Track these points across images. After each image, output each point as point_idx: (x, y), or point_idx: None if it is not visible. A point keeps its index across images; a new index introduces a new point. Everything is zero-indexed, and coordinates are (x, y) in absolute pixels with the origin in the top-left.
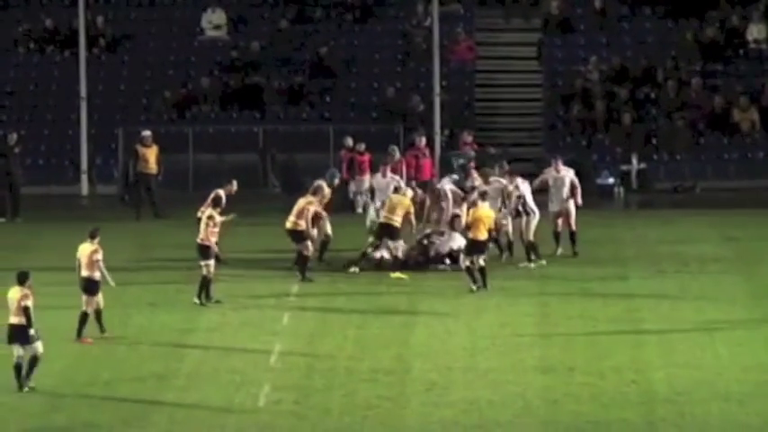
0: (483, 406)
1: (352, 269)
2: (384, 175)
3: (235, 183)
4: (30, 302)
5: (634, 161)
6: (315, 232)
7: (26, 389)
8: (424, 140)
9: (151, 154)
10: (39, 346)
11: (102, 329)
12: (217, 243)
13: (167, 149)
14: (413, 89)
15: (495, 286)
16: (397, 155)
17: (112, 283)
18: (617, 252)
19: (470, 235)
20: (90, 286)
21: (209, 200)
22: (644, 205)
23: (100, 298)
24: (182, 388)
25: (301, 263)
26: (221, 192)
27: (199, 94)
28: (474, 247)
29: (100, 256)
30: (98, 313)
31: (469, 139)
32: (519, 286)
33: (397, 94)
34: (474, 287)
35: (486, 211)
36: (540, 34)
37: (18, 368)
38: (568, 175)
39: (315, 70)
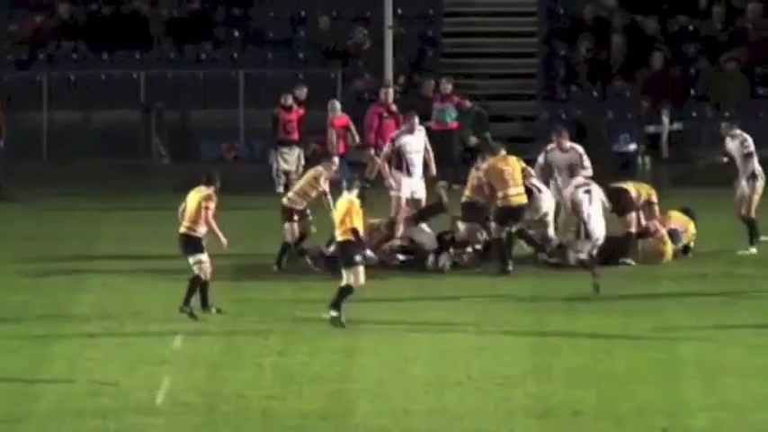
0: None
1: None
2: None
3: None
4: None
5: (665, 120)
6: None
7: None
8: (391, 93)
9: None
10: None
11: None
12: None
13: (12, 104)
14: (355, 20)
15: (469, 297)
16: (338, 112)
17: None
18: None
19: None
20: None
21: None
22: (679, 181)
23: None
24: None
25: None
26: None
27: (56, 26)
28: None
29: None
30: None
31: (449, 88)
32: (507, 294)
33: (333, 27)
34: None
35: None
36: None
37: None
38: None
39: None
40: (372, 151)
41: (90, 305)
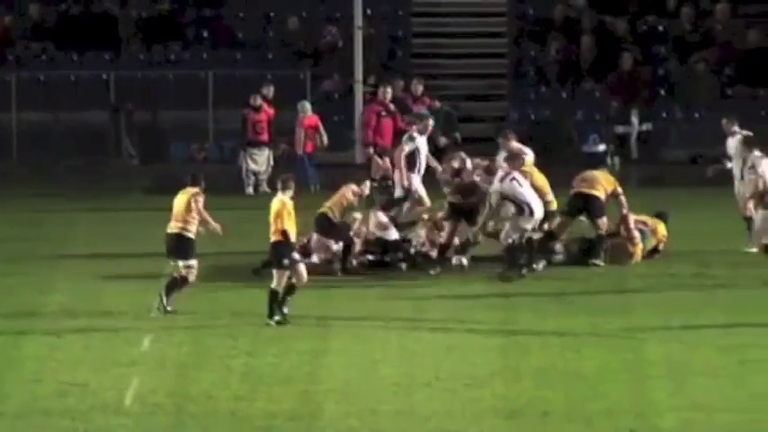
0: None
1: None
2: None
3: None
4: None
5: (635, 120)
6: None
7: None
8: (390, 92)
9: None
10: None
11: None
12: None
13: None
14: (326, 20)
15: (438, 297)
16: (308, 112)
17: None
18: None
19: None
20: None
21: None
22: (649, 182)
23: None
24: None
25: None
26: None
27: (25, 26)
28: None
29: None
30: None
31: (419, 90)
32: (476, 294)
33: (302, 27)
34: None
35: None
36: None
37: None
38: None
39: None
40: (371, 150)
41: (58, 306)
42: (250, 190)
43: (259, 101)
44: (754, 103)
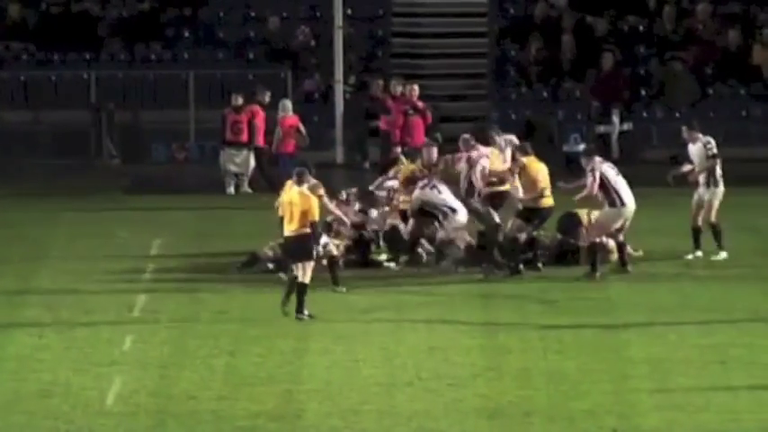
0: None
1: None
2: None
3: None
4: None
5: (615, 120)
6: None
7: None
8: (416, 89)
9: None
10: None
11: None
12: None
13: None
14: (305, 19)
15: (420, 298)
16: (289, 112)
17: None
18: None
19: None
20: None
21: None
22: (630, 181)
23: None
24: None
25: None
26: None
27: (6, 25)
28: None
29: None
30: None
31: (399, 90)
32: (457, 296)
33: (283, 26)
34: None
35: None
36: None
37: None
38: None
39: None
40: (399, 150)
41: (40, 306)
42: (231, 190)
43: (240, 101)
44: (735, 102)
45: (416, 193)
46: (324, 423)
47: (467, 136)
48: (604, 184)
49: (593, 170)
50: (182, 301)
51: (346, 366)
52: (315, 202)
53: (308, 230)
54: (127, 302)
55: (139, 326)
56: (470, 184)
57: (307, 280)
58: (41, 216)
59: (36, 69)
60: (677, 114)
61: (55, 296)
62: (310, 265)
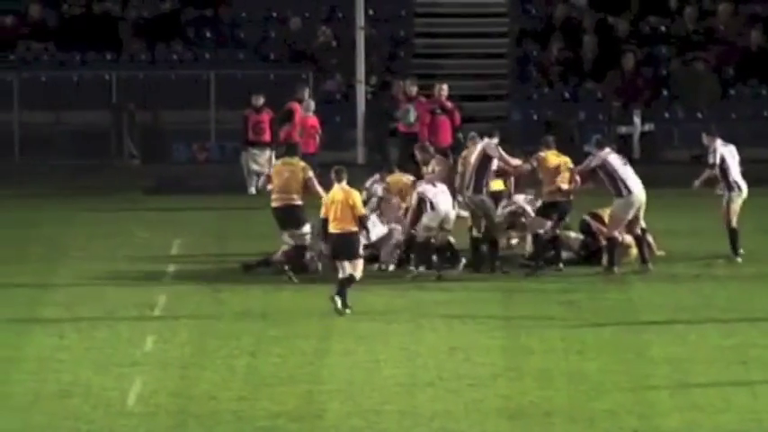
0: None
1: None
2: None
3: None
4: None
5: (637, 120)
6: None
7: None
8: (446, 89)
9: None
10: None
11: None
12: None
13: None
14: (326, 20)
15: (440, 297)
16: (311, 112)
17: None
18: None
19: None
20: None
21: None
22: (650, 182)
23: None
24: None
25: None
26: None
27: (28, 26)
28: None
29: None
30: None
31: (414, 91)
32: (479, 297)
33: (305, 27)
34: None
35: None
36: None
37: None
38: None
39: None
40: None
41: (61, 306)
42: (252, 190)
43: (261, 101)
44: (757, 103)
45: (414, 195)
46: (344, 423)
47: (474, 134)
48: (610, 174)
49: (591, 159)
50: (202, 301)
51: (367, 367)
52: (357, 195)
53: (354, 228)
54: (148, 302)
55: (160, 326)
56: (479, 178)
57: (358, 276)
58: (62, 216)
59: (57, 70)
60: (698, 115)
61: (75, 296)
62: (360, 261)
